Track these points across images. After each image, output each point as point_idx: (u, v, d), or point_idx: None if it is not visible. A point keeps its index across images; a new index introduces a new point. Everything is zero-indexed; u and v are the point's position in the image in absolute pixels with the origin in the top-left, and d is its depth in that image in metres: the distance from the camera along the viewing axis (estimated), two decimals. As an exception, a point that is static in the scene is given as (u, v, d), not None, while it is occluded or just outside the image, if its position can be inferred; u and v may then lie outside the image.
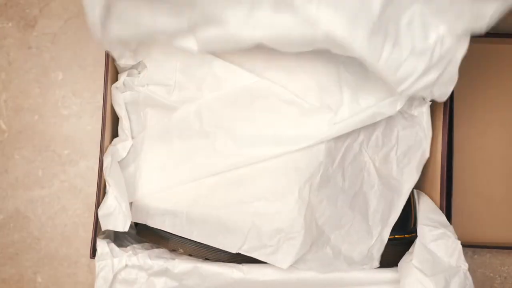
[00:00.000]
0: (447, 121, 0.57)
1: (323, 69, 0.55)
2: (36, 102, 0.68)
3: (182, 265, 0.54)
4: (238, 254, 0.55)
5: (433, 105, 0.60)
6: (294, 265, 0.54)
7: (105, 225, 0.53)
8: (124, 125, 0.56)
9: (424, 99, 0.56)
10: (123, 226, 0.52)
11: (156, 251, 0.56)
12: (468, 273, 0.52)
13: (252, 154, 0.53)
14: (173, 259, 0.54)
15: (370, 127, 0.56)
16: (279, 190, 0.54)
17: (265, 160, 0.54)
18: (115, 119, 0.61)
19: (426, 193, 0.60)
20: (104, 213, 0.53)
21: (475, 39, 0.66)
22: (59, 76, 0.69)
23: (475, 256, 0.68)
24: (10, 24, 0.69)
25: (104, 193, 0.58)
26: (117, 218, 0.52)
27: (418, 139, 0.57)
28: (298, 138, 0.53)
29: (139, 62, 0.55)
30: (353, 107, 0.54)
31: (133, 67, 0.57)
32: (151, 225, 0.55)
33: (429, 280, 0.50)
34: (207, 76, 0.54)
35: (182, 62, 0.54)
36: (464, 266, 0.52)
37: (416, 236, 0.55)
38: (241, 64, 0.54)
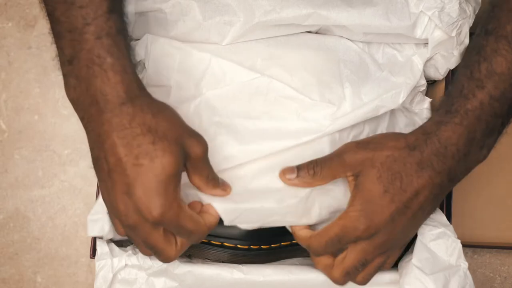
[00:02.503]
0: (447, 121, 0.57)
1: (323, 66, 0.55)
2: (36, 102, 0.68)
3: (182, 265, 0.54)
4: (238, 254, 0.56)
5: (433, 105, 0.60)
6: None
7: (91, 230, 0.52)
8: None
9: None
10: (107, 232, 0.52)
11: (156, 251, 0.56)
12: (468, 272, 0.52)
13: (254, 150, 0.53)
14: (173, 259, 0.54)
15: (373, 122, 0.56)
16: (285, 188, 0.53)
17: (268, 157, 0.53)
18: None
19: (426, 193, 0.60)
20: (93, 218, 0.52)
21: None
22: (59, 76, 0.68)
23: (475, 256, 0.68)
24: (10, 24, 0.69)
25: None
26: (104, 223, 0.52)
27: None
28: (301, 132, 0.53)
29: (139, 61, 0.55)
30: (355, 101, 0.54)
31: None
32: None
33: (429, 278, 0.50)
34: (206, 75, 0.54)
35: (180, 61, 0.54)
36: (464, 265, 0.52)
37: (416, 236, 0.55)
38: (240, 62, 0.54)
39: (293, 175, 0.50)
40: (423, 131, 0.48)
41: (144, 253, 0.49)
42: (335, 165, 0.49)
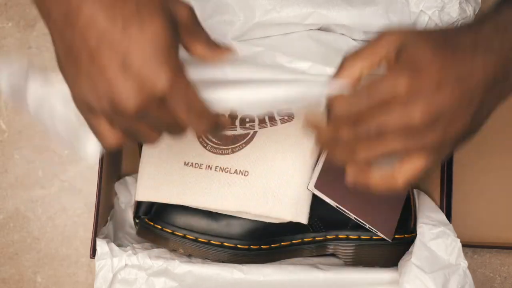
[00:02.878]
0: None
1: (326, 52, 0.55)
2: (36, 102, 0.69)
3: (182, 265, 0.54)
4: (239, 254, 0.56)
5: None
6: None
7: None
8: None
9: None
10: None
11: (156, 251, 0.56)
12: (468, 271, 0.52)
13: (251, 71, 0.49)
14: (173, 259, 0.54)
15: None
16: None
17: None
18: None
19: (426, 193, 0.60)
20: None
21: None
22: (59, 76, 0.69)
23: (475, 256, 0.68)
24: (10, 24, 0.69)
25: (105, 193, 0.58)
26: None
27: None
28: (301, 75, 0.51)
29: None
30: None
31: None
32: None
33: (428, 277, 0.50)
34: None
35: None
36: (464, 263, 0.52)
37: (416, 236, 0.55)
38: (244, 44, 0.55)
39: (337, 78, 0.41)
40: (477, 16, 0.42)
41: (174, 133, 0.40)
42: (374, 42, 0.41)
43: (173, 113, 0.38)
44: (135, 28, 0.36)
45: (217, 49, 0.42)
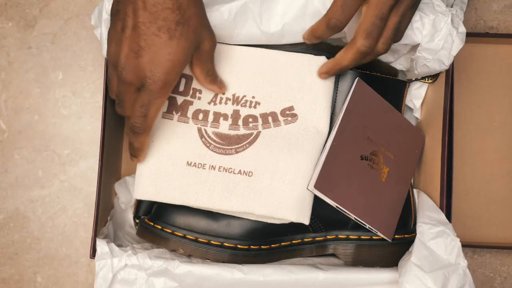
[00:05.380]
0: (447, 121, 0.57)
1: None
2: (36, 102, 0.68)
3: (182, 265, 0.54)
4: (238, 255, 0.55)
5: (433, 105, 0.60)
6: None
7: None
8: None
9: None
10: None
11: (156, 251, 0.56)
12: (467, 270, 0.52)
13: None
14: (173, 259, 0.54)
15: None
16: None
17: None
18: (115, 119, 0.61)
19: (426, 193, 0.60)
20: None
21: (475, 39, 0.66)
22: (59, 76, 0.69)
23: (475, 256, 0.68)
24: (10, 24, 0.69)
25: (105, 193, 0.58)
26: None
27: None
28: None
29: None
30: None
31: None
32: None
33: (428, 276, 0.50)
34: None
35: None
36: (464, 263, 0.52)
37: (415, 236, 0.55)
38: None
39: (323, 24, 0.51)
40: None
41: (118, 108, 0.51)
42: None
43: (133, 105, 0.49)
44: (166, 36, 0.46)
45: (211, 82, 0.53)
